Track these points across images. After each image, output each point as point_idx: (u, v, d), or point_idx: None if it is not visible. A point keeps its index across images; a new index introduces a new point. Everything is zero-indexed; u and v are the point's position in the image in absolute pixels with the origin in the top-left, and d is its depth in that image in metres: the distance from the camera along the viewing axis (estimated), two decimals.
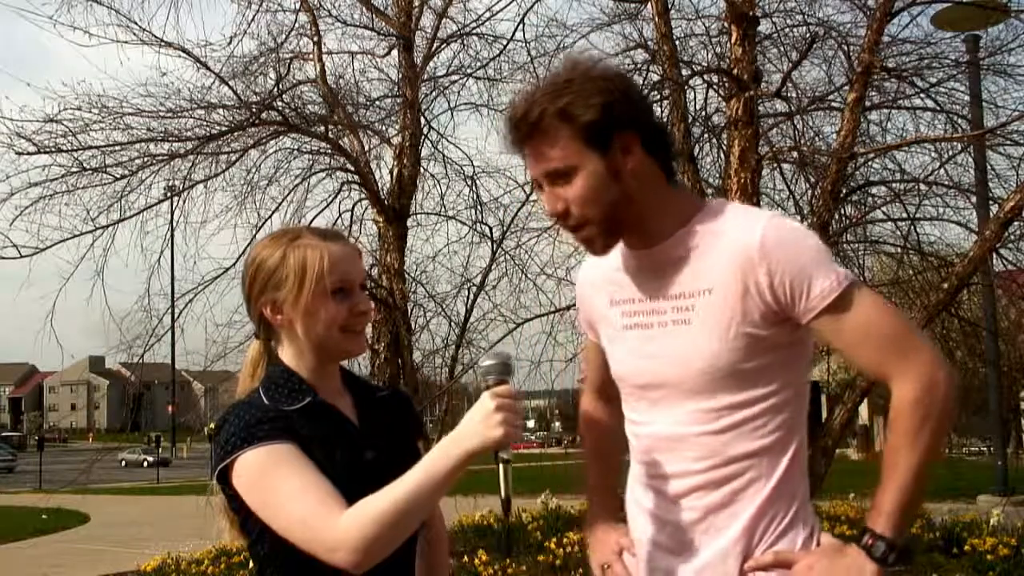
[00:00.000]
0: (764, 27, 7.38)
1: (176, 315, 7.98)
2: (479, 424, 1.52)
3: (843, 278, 1.60)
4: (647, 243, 1.70)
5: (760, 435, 1.66)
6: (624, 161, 1.63)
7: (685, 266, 1.67)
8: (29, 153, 6.99)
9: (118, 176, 7.33)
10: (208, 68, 7.71)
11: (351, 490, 1.57)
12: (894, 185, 7.83)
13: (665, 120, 7.25)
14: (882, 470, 1.60)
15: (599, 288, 1.84)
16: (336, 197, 8.72)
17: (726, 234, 1.64)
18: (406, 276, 8.47)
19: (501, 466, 1.58)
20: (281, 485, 1.58)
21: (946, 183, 7.70)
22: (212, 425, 1.77)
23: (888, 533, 1.56)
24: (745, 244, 1.60)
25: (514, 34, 8.54)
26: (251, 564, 1.72)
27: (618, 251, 1.75)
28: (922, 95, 7.74)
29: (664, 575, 1.74)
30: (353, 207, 8.75)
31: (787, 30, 7.81)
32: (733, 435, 1.65)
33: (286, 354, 1.77)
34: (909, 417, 1.58)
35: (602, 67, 1.70)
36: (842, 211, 7.53)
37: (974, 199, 7.58)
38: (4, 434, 74.34)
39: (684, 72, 7.07)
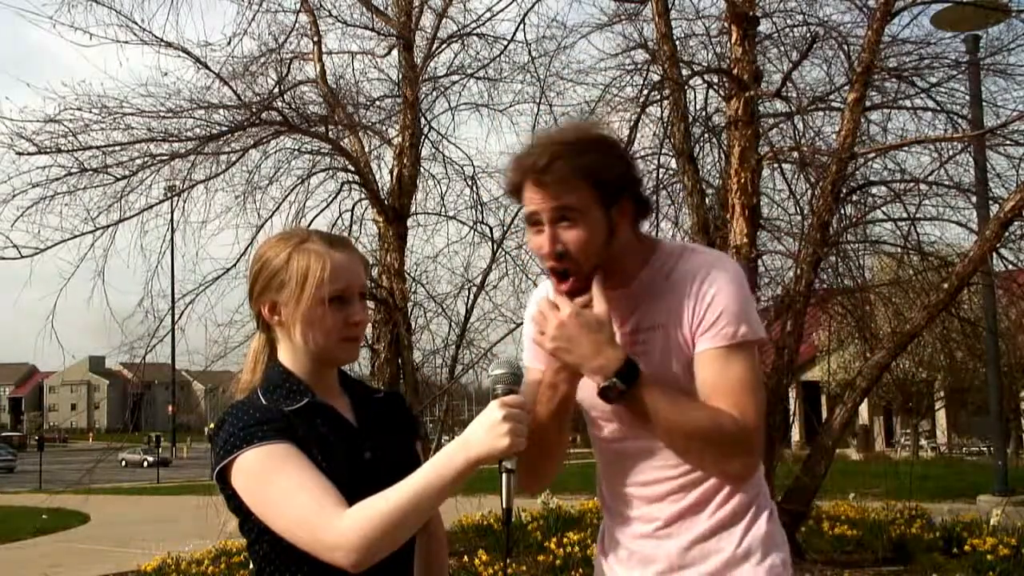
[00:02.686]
0: (764, 27, 7.39)
1: (177, 315, 7.99)
2: (486, 432, 1.54)
3: (746, 335, 1.77)
4: (615, 286, 1.85)
5: None
6: (619, 223, 1.80)
7: (642, 304, 1.86)
8: (30, 153, 7.01)
9: (118, 176, 7.35)
10: (208, 68, 7.74)
11: (349, 490, 1.58)
12: (894, 185, 7.83)
13: (665, 120, 7.27)
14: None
15: None
16: (336, 197, 8.75)
17: (676, 276, 1.84)
18: (406, 276, 8.47)
19: (504, 475, 1.59)
20: (280, 485, 1.58)
21: (946, 183, 7.72)
22: (212, 425, 1.78)
23: (632, 378, 1.70)
24: (690, 283, 1.81)
25: (514, 34, 8.59)
26: (251, 564, 1.72)
27: None
28: (922, 95, 7.75)
29: (649, 561, 1.86)
30: (353, 207, 8.78)
31: (787, 30, 7.82)
32: None
33: (284, 354, 1.78)
34: (726, 424, 1.73)
35: (614, 135, 1.95)
36: (842, 211, 7.53)
37: (974, 199, 7.58)
38: (4, 434, 74.39)
39: (684, 72, 7.08)
